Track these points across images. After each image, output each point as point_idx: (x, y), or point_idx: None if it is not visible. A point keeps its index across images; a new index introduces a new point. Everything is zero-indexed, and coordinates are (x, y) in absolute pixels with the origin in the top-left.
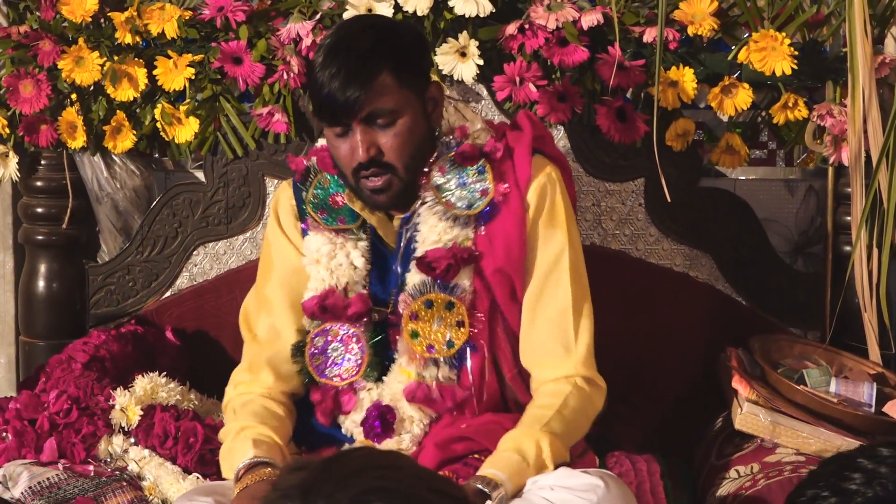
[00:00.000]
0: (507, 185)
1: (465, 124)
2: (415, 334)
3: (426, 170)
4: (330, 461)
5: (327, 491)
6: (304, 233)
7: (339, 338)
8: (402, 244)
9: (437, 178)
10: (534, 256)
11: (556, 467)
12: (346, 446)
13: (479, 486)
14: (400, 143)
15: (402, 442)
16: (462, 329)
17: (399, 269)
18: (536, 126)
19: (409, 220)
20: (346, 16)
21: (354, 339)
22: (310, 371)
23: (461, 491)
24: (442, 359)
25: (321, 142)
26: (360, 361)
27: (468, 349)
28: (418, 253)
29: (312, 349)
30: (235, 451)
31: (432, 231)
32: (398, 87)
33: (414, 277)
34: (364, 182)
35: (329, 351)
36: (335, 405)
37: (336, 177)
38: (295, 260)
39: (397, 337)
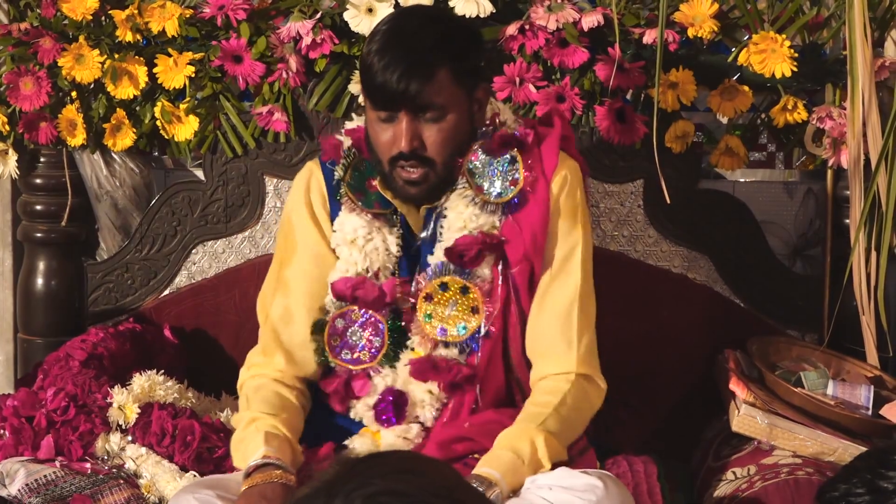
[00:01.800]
0: (535, 173)
1: (497, 113)
2: (428, 316)
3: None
4: (362, 460)
5: (348, 489)
6: (332, 214)
7: (359, 322)
8: (428, 230)
9: (470, 164)
10: (552, 245)
11: (553, 465)
12: (350, 438)
13: (473, 484)
14: (443, 138)
15: (409, 431)
16: (476, 315)
17: (424, 253)
18: (566, 126)
19: (435, 209)
20: (346, 15)
21: (373, 327)
22: (326, 351)
23: None
24: (453, 343)
25: (349, 124)
26: (375, 349)
27: (480, 336)
28: (444, 239)
29: (331, 330)
30: (248, 443)
31: (458, 218)
32: (452, 85)
33: (435, 260)
34: (399, 171)
35: (348, 334)
36: (347, 391)
37: (369, 160)
38: (319, 245)
39: (412, 317)
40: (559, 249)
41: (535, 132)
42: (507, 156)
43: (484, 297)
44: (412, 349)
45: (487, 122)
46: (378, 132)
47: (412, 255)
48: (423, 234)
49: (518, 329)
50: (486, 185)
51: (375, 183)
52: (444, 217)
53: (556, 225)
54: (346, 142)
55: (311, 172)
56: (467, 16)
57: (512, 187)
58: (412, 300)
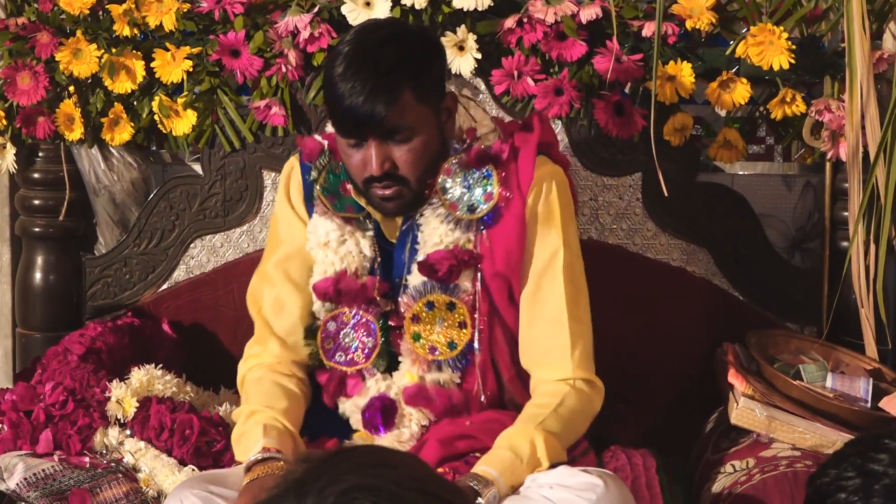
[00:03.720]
0: (509, 191)
1: (473, 126)
2: (417, 337)
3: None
4: (330, 456)
5: (319, 486)
6: (309, 212)
7: (350, 324)
8: (405, 244)
9: (443, 180)
10: (530, 256)
11: (552, 465)
12: (347, 441)
13: (471, 483)
14: (414, 157)
15: (401, 436)
16: (464, 330)
17: (405, 261)
18: (546, 131)
19: (411, 220)
20: (344, 9)
21: (365, 327)
22: (320, 354)
23: (460, 496)
24: (445, 361)
25: (328, 128)
26: (369, 350)
27: (470, 349)
28: (419, 255)
29: (324, 333)
30: (248, 436)
31: (434, 233)
32: (417, 104)
33: (415, 279)
34: (375, 191)
35: (340, 336)
36: (339, 388)
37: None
38: (303, 238)
39: (399, 341)
40: (539, 258)
41: (512, 145)
42: (482, 170)
43: (470, 310)
44: (405, 369)
45: (464, 138)
46: (349, 156)
47: (385, 261)
48: (400, 243)
49: (503, 343)
50: (459, 202)
51: (350, 187)
52: (420, 233)
53: (533, 234)
54: (324, 144)
55: (292, 167)
56: (465, 9)
57: (486, 203)
58: (394, 323)
